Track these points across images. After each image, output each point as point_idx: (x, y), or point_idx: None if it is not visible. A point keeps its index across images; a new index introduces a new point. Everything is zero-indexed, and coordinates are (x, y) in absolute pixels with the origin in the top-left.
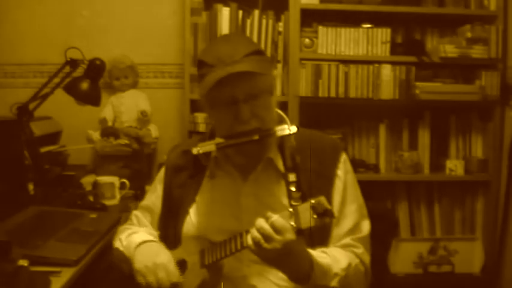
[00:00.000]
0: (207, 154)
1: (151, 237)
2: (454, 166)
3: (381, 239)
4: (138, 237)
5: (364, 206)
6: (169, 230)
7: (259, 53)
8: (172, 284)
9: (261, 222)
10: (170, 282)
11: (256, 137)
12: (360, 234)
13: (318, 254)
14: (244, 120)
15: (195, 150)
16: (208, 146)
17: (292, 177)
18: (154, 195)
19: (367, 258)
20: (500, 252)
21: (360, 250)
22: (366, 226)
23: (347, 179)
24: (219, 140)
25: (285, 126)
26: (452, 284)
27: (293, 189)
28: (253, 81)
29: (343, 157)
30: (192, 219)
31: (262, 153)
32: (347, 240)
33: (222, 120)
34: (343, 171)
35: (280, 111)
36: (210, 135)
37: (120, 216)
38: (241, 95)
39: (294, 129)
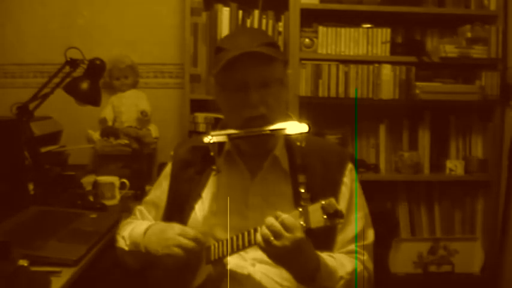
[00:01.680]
0: (219, 146)
1: (151, 222)
2: (454, 166)
3: (381, 239)
4: (140, 228)
5: (369, 216)
6: None
7: (275, 46)
8: (197, 240)
9: (271, 219)
10: (193, 240)
11: (268, 132)
12: (365, 242)
13: (325, 256)
14: (252, 104)
15: (206, 139)
16: (221, 136)
17: (301, 178)
18: (159, 190)
19: (370, 266)
20: (500, 252)
21: (365, 257)
22: (370, 234)
23: (353, 187)
24: (231, 130)
25: (296, 123)
26: (452, 284)
27: (302, 190)
28: (266, 68)
29: (350, 166)
30: (197, 215)
31: (270, 147)
32: (352, 246)
33: (231, 105)
34: (350, 180)
35: (289, 113)
36: (220, 127)
37: (120, 216)
38: (252, 79)
39: (305, 128)
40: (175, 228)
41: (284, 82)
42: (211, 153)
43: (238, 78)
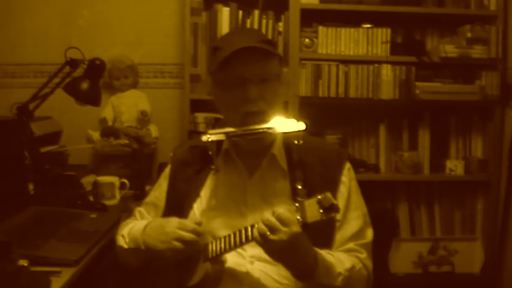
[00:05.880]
0: (217, 145)
1: (150, 219)
2: (454, 166)
3: (381, 239)
4: (139, 226)
5: (368, 215)
6: None
7: (271, 43)
8: (195, 232)
9: (267, 215)
10: (192, 232)
11: (265, 129)
12: (364, 240)
13: (323, 253)
14: (251, 99)
15: (205, 137)
16: (218, 135)
17: (299, 174)
18: (158, 191)
19: (370, 264)
20: (500, 252)
21: (363, 255)
22: (369, 233)
23: (351, 186)
24: (229, 129)
25: (293, 122)
26: (452, 284)
27: (299, 186)
28: (263, 63)
29: (348, 165)
30: (196, 214)
31: (268, 143)
32: (350, 245)
33: (229, 101)
34: (348, 178)
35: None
36: (219, 127)
37: (120, 216)
38: (250, 74)
39: (302, 126)
40: (173, 222)
41: (281, 79)
42: (210, 153)
43: (237, 74)
